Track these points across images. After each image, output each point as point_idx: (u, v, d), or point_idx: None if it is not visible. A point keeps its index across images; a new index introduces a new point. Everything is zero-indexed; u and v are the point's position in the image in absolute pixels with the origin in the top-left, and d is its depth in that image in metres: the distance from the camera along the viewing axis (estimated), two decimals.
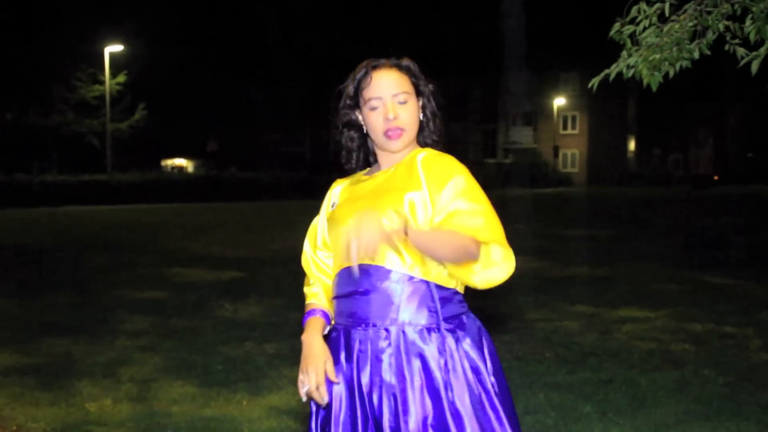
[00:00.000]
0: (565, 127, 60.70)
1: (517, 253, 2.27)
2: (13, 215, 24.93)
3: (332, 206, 2.47)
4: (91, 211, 27.16)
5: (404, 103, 2.35)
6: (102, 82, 38.47)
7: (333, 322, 2.42)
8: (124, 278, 10.68)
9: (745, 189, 46.26)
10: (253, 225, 20.74)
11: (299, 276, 2.65)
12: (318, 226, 2.53)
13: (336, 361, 2.32)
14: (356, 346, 2.28)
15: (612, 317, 7.90)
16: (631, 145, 65.80)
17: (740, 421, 4.68)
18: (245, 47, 47.04)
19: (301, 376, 2.29)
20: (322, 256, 2.50)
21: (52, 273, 11.25)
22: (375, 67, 2.38)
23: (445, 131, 2.46)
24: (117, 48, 37.32)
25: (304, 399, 2.29)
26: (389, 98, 2.34)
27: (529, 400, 5.01)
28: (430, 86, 2.43)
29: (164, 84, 43.63)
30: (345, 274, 2.33)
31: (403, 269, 2.24)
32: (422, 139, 2.44)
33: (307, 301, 2.49)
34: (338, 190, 2.50)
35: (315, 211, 2.55)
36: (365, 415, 2.25)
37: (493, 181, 45.78)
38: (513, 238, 2.37)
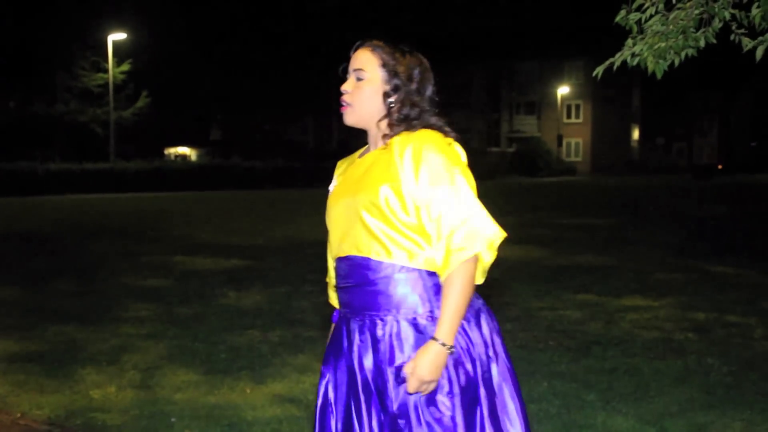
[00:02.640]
0: (569, 116, 60.65)
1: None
2: (16, 203, 24.96)
3: (330, 188, 2.52)
4: (95, 200, 27.18)
5: (360, 80, 2.38)
6: (105, 71, 38.42)
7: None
8: (128, 266, 10.69)
9: (748, 178, 46.18)
10: (257, 213, 20.75)
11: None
12: None
13: (340, 350, 2.38)
14: (356, 336, 2.32)
15: (615, 306, 7.90)
16: (635, 134, 65.74)
17: (744, 410, 4.68)
18: (247, 35, 46.91)
19: None
20: None
21: (55, 261, 11.26)
22: (356, 48, 2.42)
23: (441, 122, 2.38)
24: (120, 36, 37.28)
25: None
26: (351, 73, 2.40)
27: (533, 389, 5.01)
28: (412, 70, 2.37)
29: (167, 72, 43.54)
30: (340, 264, 2.39)
31: (388, 260, 2.27)
32: (411, 125, 2.36)
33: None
34: (337, 174, 2.56)
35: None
36: (367, 401, 2.28)
37: (497, 170, 45.75)
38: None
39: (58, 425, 4.51)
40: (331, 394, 2.39)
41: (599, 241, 13.76)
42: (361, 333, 2.31)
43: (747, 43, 4.29)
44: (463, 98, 55.71)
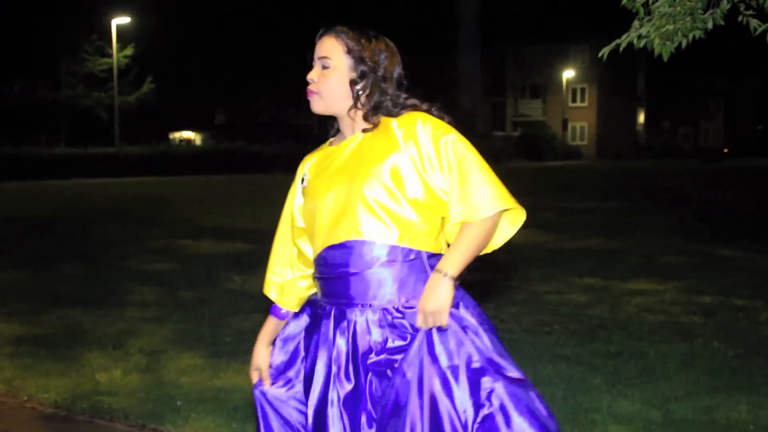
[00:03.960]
0: (574, 100, 60.41)
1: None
2: (21, 188, 25.00)
3: (303, 182, 2.47)
4: (99, 184, 27.19)
5: (326, 68, 2.35)
6: (109, 55, 38.36)
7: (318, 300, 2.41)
8: (133, 250, 10.71)
9: (755, 162, 46.03)
10: (261, 197, 20.73)
11: None
12: (289, 206, 2.52)
13: (325, 340, 2.31)
14: (353, 326, 2.26)
15: (621, 290, 7.89)
16: (641, 117, 65.49)
17: (749, 393, 4.67)
18: (252, 19, 46.79)
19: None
20: (301, 244, 2.48)
21: (61, 245, 11.28)
22: (321, 35, 2.39)
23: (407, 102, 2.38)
24: (124, 20, 37.21)
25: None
26: (316, 61, 2.37)
27: (538, 372, 5.01)
28: (378, 56, 2.35)
29: (171, 56, 43.47)
30: (330, 253, 2.30)
31: (390, 241, 2.24)
32: (389, 110, 2.35)
33: (274, 298, 2.51)
34: (308, 166, 2.49)
35: None
36: (362, 391, 2.25)
37: (502, 154, 45.64)
38: None
39: (64, 408, 4.52)
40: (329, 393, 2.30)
41: (604, 224, 13.73)
42: (360, 323, 2.25)
43: (756, 26, 4.24)
44: (467, 82, 55.48)
